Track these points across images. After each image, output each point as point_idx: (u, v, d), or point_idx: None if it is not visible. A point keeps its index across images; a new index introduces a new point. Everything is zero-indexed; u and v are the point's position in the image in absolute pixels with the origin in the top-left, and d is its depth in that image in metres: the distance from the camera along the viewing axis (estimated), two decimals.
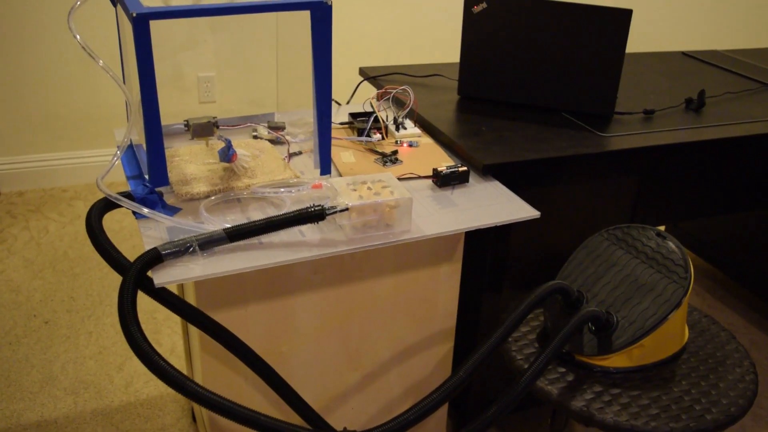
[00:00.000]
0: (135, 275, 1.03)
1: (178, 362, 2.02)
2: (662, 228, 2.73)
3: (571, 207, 1.55)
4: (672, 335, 1.34)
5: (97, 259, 2.45)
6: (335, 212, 1.14)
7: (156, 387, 1.92)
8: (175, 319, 2.20)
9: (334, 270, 1.31)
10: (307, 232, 1.18)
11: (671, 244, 1.35)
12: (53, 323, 2.14)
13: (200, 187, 1.28)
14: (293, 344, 1.38)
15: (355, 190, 1.19)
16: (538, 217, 1.31)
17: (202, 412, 1.48)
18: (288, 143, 1.52)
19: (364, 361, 1.49)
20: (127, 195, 1.21)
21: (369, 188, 1.19)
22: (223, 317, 1.26)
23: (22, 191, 2.92)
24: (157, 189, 1.26)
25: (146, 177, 1.28)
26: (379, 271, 1.36)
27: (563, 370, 1.32)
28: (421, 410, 1.08)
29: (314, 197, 1.28)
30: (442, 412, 1.66)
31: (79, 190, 2.94)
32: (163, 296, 1.07)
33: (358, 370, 1.50)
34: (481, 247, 1.49)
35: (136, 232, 2.61)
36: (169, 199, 1.27)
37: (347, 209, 1.14)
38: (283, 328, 1.35)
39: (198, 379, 1.42)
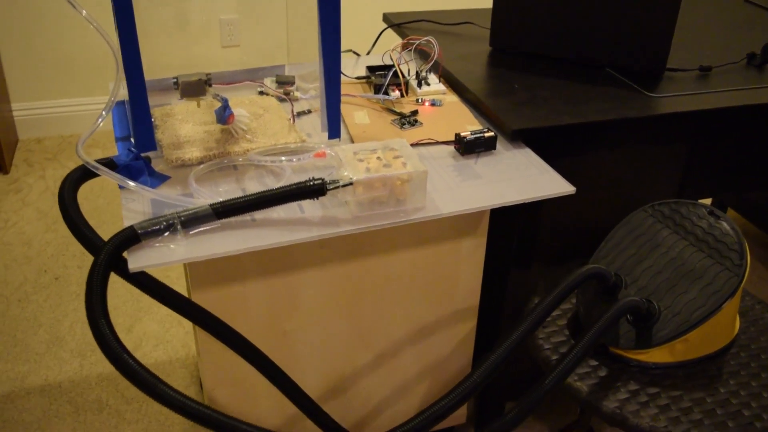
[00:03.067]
0: (107, 257, 0.91)
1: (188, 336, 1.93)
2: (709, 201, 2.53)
3: (612, 178, 1.39)
4: (721, 328, 1.19)
5: (112, 212, 2.36)
6: (337, 187, 1.00)
7: (165, 351, 1.84)
8: None
9: (343, 244, 1.18)
10: (308, 207, 1.05)
11: (725, 225, 1.18)
12: (64, 279, 2.07)
13: (193, 152, 1.15)
14: (297, 323, 1.26)
15: (362, 160, 1.04)
16: (573, 193, 1.15)
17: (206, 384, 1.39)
18: (291, 102, 1.37)
19: (376, 341, 1.37)
20: (110, 161, 1.08)
21: (379, 158, 1.05)
22: (219, 295, 1.15)
23: (40, 138, 2.83)
24: (145, 154, 1.13)
25: (132, 140, 1.15)
26: (393, 245, 1.23)
27: (595, 363, 1.18)
28: (437, 412, 0.95)
29: (317, 167, 1.13)
30: None
31: (97, 137, 2.84)
32: (141, 281, 0.95)
33: (370, 350, 1.38)
34: (510, 219, 1.34)
35: None
36: (158, 165, 1.14)
37: (351, 184, 1.00)
38: (286, 306, 1.23)
39: (201, 367, 1.32)
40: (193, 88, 1.10)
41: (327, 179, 1.00)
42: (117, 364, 0.84)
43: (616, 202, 1.43)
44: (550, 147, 1.29)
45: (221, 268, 1.13)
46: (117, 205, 2.39)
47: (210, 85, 1.11)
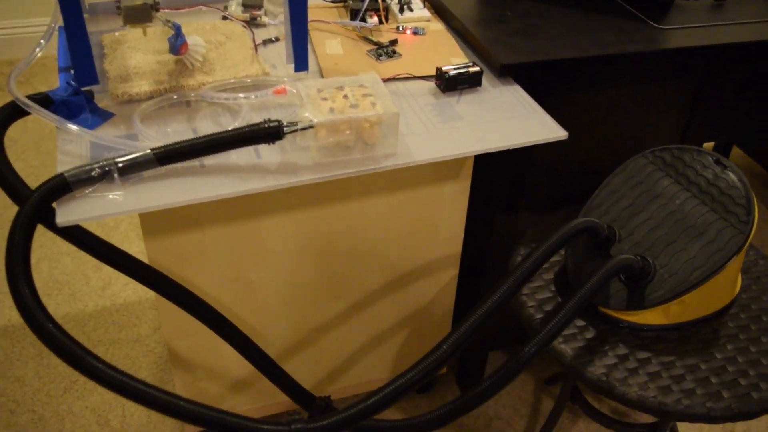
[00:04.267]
0: (32, 209, 0.80)
1: None
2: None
3: (610, 119, 1.26)
4: (721, 289, 1.09)
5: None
6: (295, 130, 0.88)
7: (135, 291, 1.75)
8: None
9: (311, 189, 1.07)
10: (265, 152, 0.93)
11: (732, 176, 1.07)
12: None
13: (141, 86, 1.03)
14: (263, 272, 1.17)
15: (326, 99, 0.92)
16: (565, 138, 1.03)
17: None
18: (250, 30, 1.23)
19: (349, 290, 1.28)
20: (45, 97, 0.96)
21: (346, 96, 0.93)
22: (175, 243, 1.05)
23: (12, 60, 2.67)
24: (88, 88, 1.01)
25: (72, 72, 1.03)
26: (367, 189, 1.12)
27: (582, 324, 1.09)
28: (413, 378, 0.85)
29: (280, 104, 1.01)
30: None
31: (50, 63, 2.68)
32: (73, 236, 0.85)
33: (342, 300, 1.29)
34: (497, 161, 1.22)
35: None
36: (103, 101, 1.02)
37: (312, 126, 0.88)
38: (249, 253, 1.13)
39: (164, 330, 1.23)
40: (138, 14, 0.97)
41: (285, 121, 0.88)
42: (41, 335, 0.75)
43: (613, 146, 1.31)
44: (543, 84, 1.16)
45: (177, 214, 1.02)
46: None
47: (157, 10, 0.98)
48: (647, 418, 1.56)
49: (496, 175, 1.26)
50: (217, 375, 1.29)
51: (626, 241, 1.10)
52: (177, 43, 1.01)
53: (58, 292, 1.74)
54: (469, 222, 1.30)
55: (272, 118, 0.87)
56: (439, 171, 1.16)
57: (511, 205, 1.31)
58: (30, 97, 0.94)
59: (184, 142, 0.86)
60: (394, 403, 0.83)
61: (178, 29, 1.02)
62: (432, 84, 1.10)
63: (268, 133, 0.87)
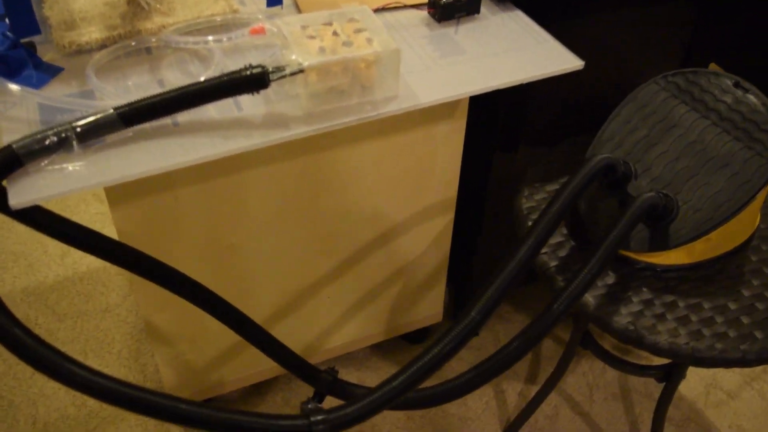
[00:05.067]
0: None
1: None
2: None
3: (610, 45, 1.15)
4: (745, 222, 1.02)
5: None
6: (284, 76, 0.75)
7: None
8: None
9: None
10: (247, 103, 0.80)
11: (754, 100, 0.98)
12: None
13: (91, 33, 0.88)
14: (244, 233, 1.05)
15: (313, 37, 0.79)
16: (581, 68, 0.92)
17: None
18: None
19: (339, 246, 1.17)
20: None
21: (336, 33, 0.80)
22: (145, 209, 0.93)
23: None
24: (27, 39, 0.86)
25: (7, 21, 0.87)
26: (355, 135, 1.00)
27: None
28: (447, 348, 0.75)
29: (256, 46, 0.88)
30: (441, 285, 1.37)
31: None
32: (30, 218, 0.72)
33: (332, 257, 1.19)
34: (493, 96, 1.11)
35: None
36: (47, 54, 0.87)
37: (302, 71, 0.75)
38: (229, 214, 1.02)
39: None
40: None
41: (269, 66, 0.75)
42: (7, 343, 0.63)
43: (615, 74, 1.21)
44: (541, 9, 1.05)
45: (145, 177, 0.89)
46: None
47: None
48: (657, 359, 1.51)
49: (493, 111, 1.15)
50: (201, 346, 1.19)
51: (643, 177, 1.01)
52: None
53: (14, 263, 1.59)
54: (465, 163, 1.20)
55: (253, 64, 0.75)
56: (432, 111, 1.04)
57: (510, 142, 1.21)
58: None
59: (152, 97, 0.73)
60: (421, 382, 0.73)
61: None
62: (424, 13, 0.97)
63: (251, 81, 0.74)
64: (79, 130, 0.72)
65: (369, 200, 1.13)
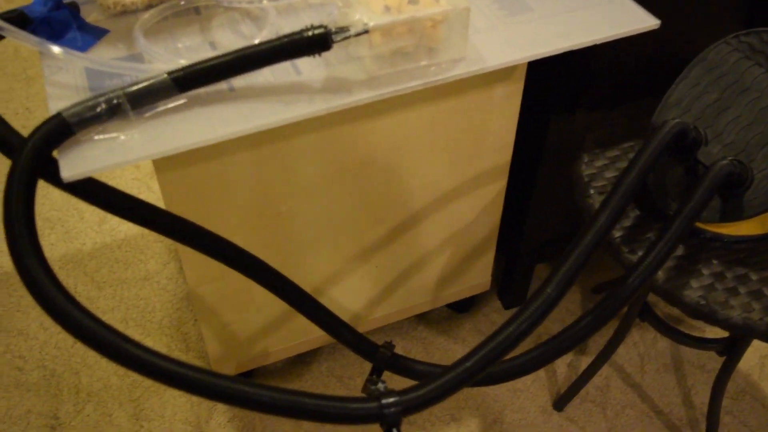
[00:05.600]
0: (29, 162, 0.63)
1: None
2: None
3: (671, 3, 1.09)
4: None
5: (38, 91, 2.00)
6: (348, 37, 0.70)
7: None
8: None
9: None
10: (305, 66, 0.76)
11: None
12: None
13: None
14: (294, 201, 1.01)
15: None
16: (657, 27, 0.86)
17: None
18: None
19: (390, 214, 1.13)
20: (20, 15, 0.77)
21: None
22: (193, 177, 0.89)
23: None
24: (68, 0, 0.82)
25: None
26: (408, 99, 0.95)
27: None
28: (522, 326, 0.71)
29: (310, 4, 0.83)
30: (490, 253, 1.33)
31: None
32: (82, 189, 0.68)
33: (383, 225, 1.14)
34: (552, 56, 1.05)
35: None
36: (90, 15, 0.83)
37: (367, 32, 0.70)
38: (278, 181, 0.98)
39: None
40: None
41: (332, 26, 0.70)
42: (61, 320, 0.59)
43: (686, 30, 1.14)
44: None
45: None
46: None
47: None
48: (715, 331, 1.46)
49: (553, 72, 1.09)
50: (248, 317, 1.16)
51: (714, 144, 0.95)
52: None
53: (51, 230, 1.57)
54: (519, 127, 1.14)
55: (315, 24, 0.70)
56: (489, 72, 0.99)
57: (568, 104, 1.15)
58: (2, 17, 0.75)
59: (207, 61, 0.69)
60: (495, 362, 0.70)
61: None
62: None
63: (313, 42, 0.69)
64: (131, 96, 0.68)
65: (421, 166, 1.08)
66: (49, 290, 0.59)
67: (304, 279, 1.15)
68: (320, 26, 0.69)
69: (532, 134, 1.18)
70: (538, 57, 0.79)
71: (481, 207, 1.22)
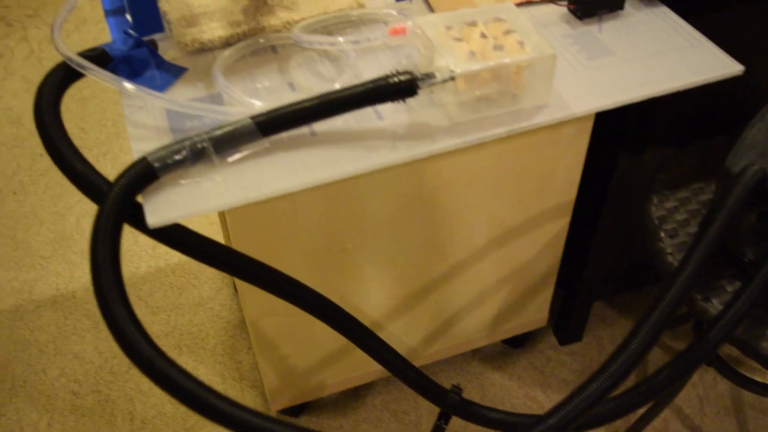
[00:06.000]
0: (116, 208, 0.63)
1: None
2: None
3: (754, 36, 1.06)
4: None
5: (109, 116, 2.03)
6: (434, 83, 0.69)
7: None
8: None
9: None
10: (387, 111, 0.75)
11: None
12: None
13: (214, 30, 0.83)
14: (359, 238, 1.00)
15: (460, 39, 0.73)
16: (741, 74, 0.84)
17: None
18: None
19: (453, 250, 1.11)
20: (101, 53, 0.77)
21: (483, 35, 0.73)
22: (262, 213, 0.88)
23: None
24: (149, 37, 0.82)
25: (128, 17, 0.83)
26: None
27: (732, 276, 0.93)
28: (589, 398, 0.69)
29: (388, 45, 0.82)
30: (549, 289, 1.31)
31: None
32: (165, 235, 0.68)
33: (445, 261, 1.13)
34: None
35: None
36: (168, 52, 0.83)
37: (453, 78, 0.69)
38: (345, 218, 0.97)
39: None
40: None
41: (417, 72, 0.69)
42: (150, 372, 0.59)
43: (757, 73, 1.11)
44: (682, 2, 0.96)
45: None
46: (114, 104, 2.07)
47: None
48: None
49: (623, 111, 1.07)
50: (307, 350, 1.15)
51: None
52: None
53: None
54: (586, 164, 1.12)
55: (396, 68, 0.69)
56: None
57: (637, 143, 1.12)
58: (84, 55, 0.75)
59: (291, 105, 0.68)
60: (572, 425, 0.67)
61: None
62: (562, 9, 0.90)
63: (400, 89, 0.68)
64: (215, 140, 0.67)
65: (486, 203, 1.06)
66: (136, 341, 0.58)
67: (363, 314, 1.14)
68: (406, 72, 0.69)
69: (599, 172, 1.16)
70: (622, 104, 0.77)
71: (543, 243, 1.20)
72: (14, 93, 2.00)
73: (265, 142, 0.70)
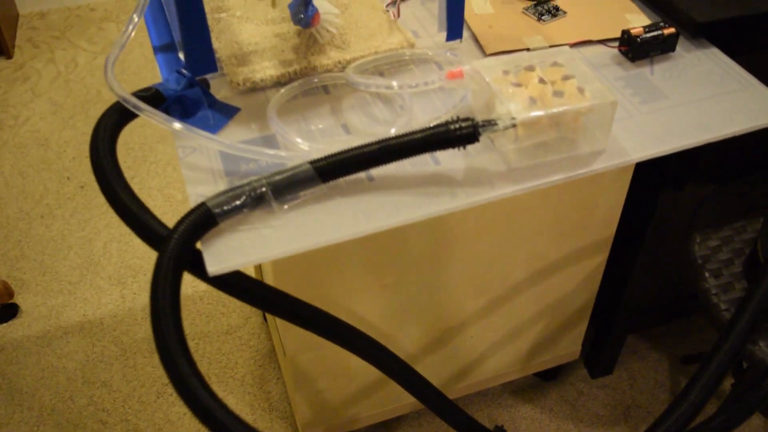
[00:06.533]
0: (176, 255, 0.63)
1: None
2: None
3: None
4: None
5: (150, 145, 2.03)
6: (496, 130, 0.69)
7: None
8: None
9: None
10: (444, 156, 0.74)
11: None
12: (90, 188, 1.79)
13: (266, 69, 0.83)
14: (401, 273, 1.00)
15: (519, 85, 0.72)
16: None
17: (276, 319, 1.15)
18: None
19: (492, 286, 1.11)
20: (155, 93, 0.77)
21: (542, 80, 0.73)
22: (307, 254, 0.87)
23: (43, 12, 2.44)
24: (201, 77, 0.82)
25: (181, 56, 0.83)
26: None
27: None
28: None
29: (442, 88, 0.81)
30: (584, 324, 1.29)
31: (111, 8, 2.45)
32: (229, 283, 0.67)
33: (483, 296, 1.12)
34: None
35: None
36: (220, 91, 0.83)
37: (514, 126, 0.69)
38: (388, 255, 0.96)
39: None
40: None
41: (478, 119, 0.68)
42: (209, 424, 0.58)
43: None
44: (732, 41, 0.95)
45: None
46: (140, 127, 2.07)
47: None
48: None
49: None
50: (342, 384, 1.14)
51: None
52: (308, 13, 0.81)
53: (133, 279, 1.58)
54: (627, 200, 1.11)
55: (461, 116, 0.68)
56: None
57: (678, 179, 1.11)
58: (139, 96, 0.75)
59: (350, 150, 0.68)
60: None
61: None
62: (613, 50, 0.89)
63: (461, 137, 0.68)
64: (274, 185, 0.67)
65: (527, 239, 1.06)
66: (199, 393, 0.57)
67: (399, 347, 1.13)
68: (467, 119, 0.68)
69: (639, 207, 1.15)
70: (678, 150, 0.76)
71: (580, 278, 1.19)
72: (42, 115, 2.00)
73: (323, 187, 0.70)
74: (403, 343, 1.12)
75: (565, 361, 1.36)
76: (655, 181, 1.11)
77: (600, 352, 1.40)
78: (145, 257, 1.62)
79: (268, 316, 1.41)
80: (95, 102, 2.05)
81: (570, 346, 1.34)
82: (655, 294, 1.35)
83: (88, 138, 1.93)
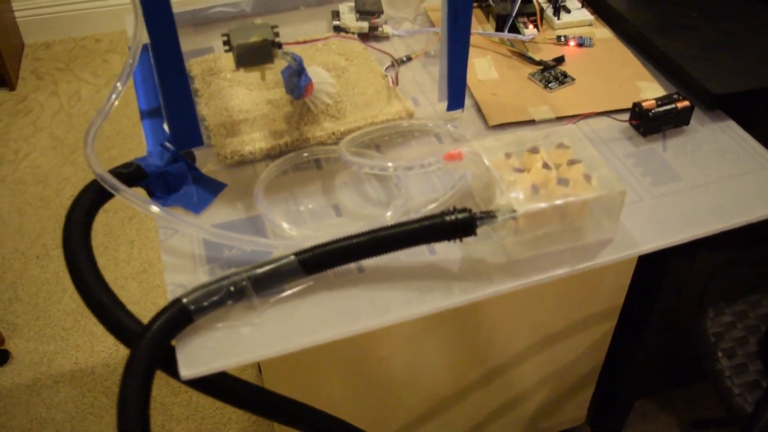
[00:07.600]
0: (147, 355, 0.58)
1: None
2: None
3: None
4: None
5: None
6: (494, 223, 0.64)
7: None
8: None
9: None
10: (440, 245, 0.70)
11: None
12: None
13: (256, 142, 0.79)
14: (397, 345, 0.95)
15: (521, 170, 0.68)
16: None
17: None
18: (396, 64, 0.99)
19: (493, 355, 1.06)
20: (136, 169, 0.73)
21: (546, 165, 0.68)
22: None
23: (48, 42, 2.43)
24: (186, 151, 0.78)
25: (165, 127, 0.79)
26: None
27: None
28: None
29: (446, 171, 0.77)
30: (590, 389, 1.24)
31: (116, 39, 2.43)
32: (207, 384, 0.63)
33: (484, 365, 1.07)
34: None
35: None
36: (206, 163, 0.79)
37: (515, 218, 0.64)
38: (383, 329, 0.91)
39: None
40: (255, 55, 0.72)
41: (476, 209, 0.64)
42: None
43: None
44: (747, 112, 0.90)
45: None
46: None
47: (281, 47, 0.73)
48: None
49: None
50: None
51: None
52: (301, 84, 0.77)
53: None
54: (636, 268, 1.06)
55: (459, 207, 0.64)
56: None
57: (689, 247, 1.06)
58: (117, 172, 0.71)
59: (337, 241, 0.63)
60: None
61: (300, 64, 0.77)
62: (623, 124, 0.85)
63: (457, 228, 0.63)
64: (255, 279, 0.62)
65: (531, 310, 1.01)
66: None
67: (396, 417, 1.08)
68: (464, 210, 0.63)
69: (649, 277, 1.10)
70: (691, 239, 0.71)
71: (586, 346, 1.14)
72: (42, 150, 1.98)
73: (308, 280, 0.65)
74: (401, 412, 1.07)
75: (570, 426, 1.31)
76: (665, 249, 1.06)
77: (607, 416, 1.34)
78: (141, 303, 1.58)
79: (263, 371, 1.37)
80: (98, 137, 2.02)
81: (576, 411, 1.28)
82: (666, 359, 1.29)
83: (87, 175, 1.90)
